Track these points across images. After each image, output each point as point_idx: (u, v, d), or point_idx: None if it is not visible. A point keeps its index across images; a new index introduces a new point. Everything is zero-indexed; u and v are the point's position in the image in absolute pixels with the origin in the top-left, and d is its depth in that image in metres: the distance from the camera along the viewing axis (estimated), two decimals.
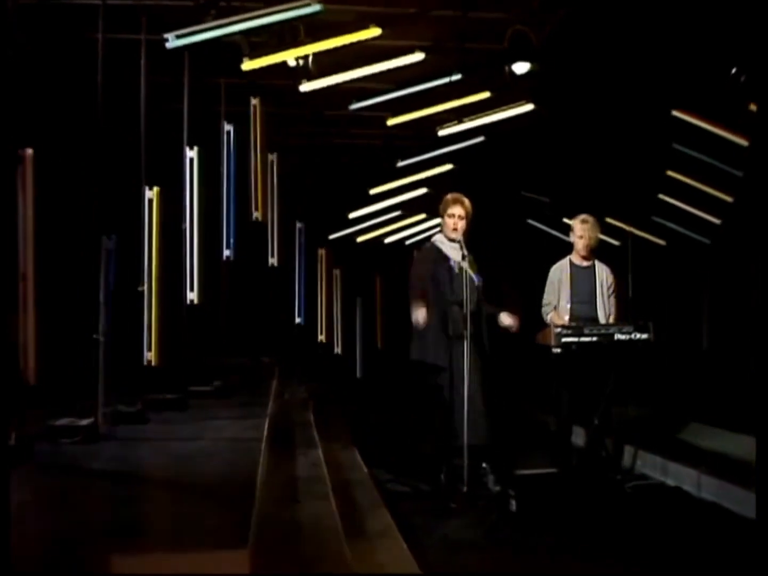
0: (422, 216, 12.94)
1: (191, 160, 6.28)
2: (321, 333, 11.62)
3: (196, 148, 6.39)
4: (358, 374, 12.74)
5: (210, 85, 7.58)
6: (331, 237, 12.71)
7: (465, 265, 5.85)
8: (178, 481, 3.85)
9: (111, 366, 4.92)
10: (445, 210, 6.12)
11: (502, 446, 6.76)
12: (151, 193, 5.40)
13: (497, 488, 5.70)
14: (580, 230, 6.45)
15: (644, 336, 6.06)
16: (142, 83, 5.69)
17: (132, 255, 5.82)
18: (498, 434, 5.86)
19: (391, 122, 8.70)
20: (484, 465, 5.79)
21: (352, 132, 10.34)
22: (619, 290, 6.98)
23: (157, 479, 3.93)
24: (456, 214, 6.06)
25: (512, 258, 12.34)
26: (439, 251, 6.13)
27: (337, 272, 12.49)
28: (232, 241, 7.51)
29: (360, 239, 13.33)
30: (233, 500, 3.44)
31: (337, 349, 12.38)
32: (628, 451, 6.82)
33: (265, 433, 5.12)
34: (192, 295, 6.36)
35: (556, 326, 6.07)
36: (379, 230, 13.17)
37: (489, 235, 13.06)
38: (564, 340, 6.00)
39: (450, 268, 6.04)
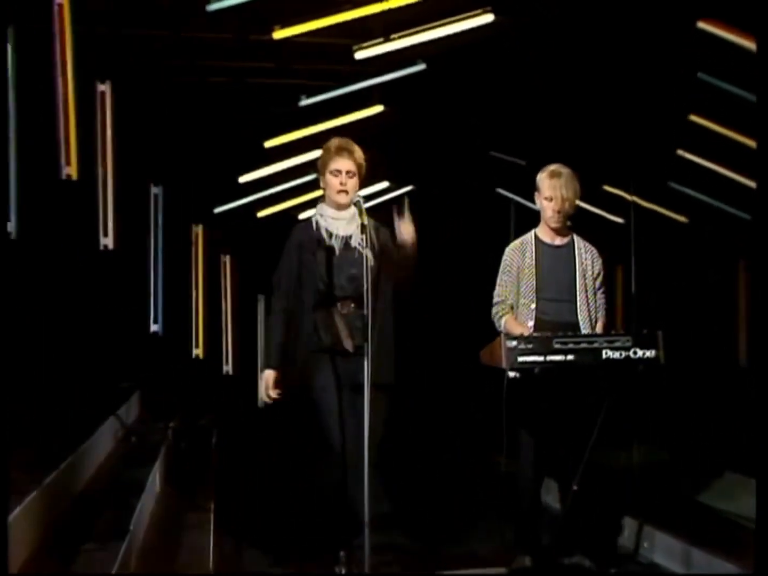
0: None
1: None
2: (196, 345, 11.18)
3: None
4: (258, 403, 11.69)
5: None
6: (218, 210, 12.14)
7: (362, 240, 5.22)
8: None
9: None
10: (325, 165, 5.61)
11: (428, 519, 6.90)
12: None
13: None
14: (549, 188, 5.79)
15: (650, 353, 5.40)
16: None
17: None
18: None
19: (278, 35, 7.99)
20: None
21: (231, 63, 9.84)
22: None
23: None
24: (343, 170, 5.54)
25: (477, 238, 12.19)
26: (314, 229, 5.57)
27: (225, 259, 12.15)
28: (13, 210, 6.52)
29: (261, 213, 12.66)
30: None
31: (227, 368, 11.98)
32: (629, 525, 6.40)
33: None
34: None
35: (510, 338, 5.32)
36: (289, 201, 12.47)
37: (446, 209, 12.61)
38: (522, 359, 5.29)
39: (329, 250, 5.48)
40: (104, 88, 7.80)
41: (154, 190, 10.23)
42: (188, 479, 7.82)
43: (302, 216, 12.85)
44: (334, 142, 5.62)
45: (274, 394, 5.41)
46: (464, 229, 12.86)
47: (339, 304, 5.38)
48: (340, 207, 5.53)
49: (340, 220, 5.52)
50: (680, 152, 10.85)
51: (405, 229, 5.28)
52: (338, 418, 5.33)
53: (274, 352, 5.47)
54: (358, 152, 5.57)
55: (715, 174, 10.89)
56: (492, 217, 12.51)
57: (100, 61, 7.50)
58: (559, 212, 5.75)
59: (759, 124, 4.35)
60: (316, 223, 5.56)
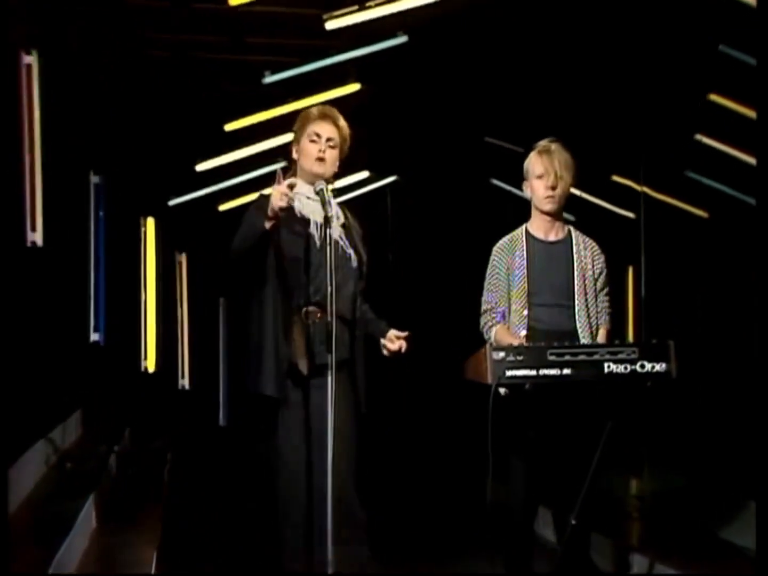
0: None
1: None
2: (146, 357, 11.13)
3: None
4: (221, 421, 12.10)
5: None
6: (172, 202, 12.08)
7: (336, 231, 5.15)
8: None
9: None
10: (303, 129, 5.39)
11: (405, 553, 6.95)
12: None
13: None
14: (540, 166, 5.74)
15: (660, 366, 5.31)
16: None
17: None
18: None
19: (235, 2, 8.03)
20: None
21: (179, 36, 9.85)
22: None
23: None
24: (324, 136, 5.30)
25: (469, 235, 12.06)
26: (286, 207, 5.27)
27: (181, 258, 12.22)
28: None
29: (223, 206, 12.53)
30: None
31: (183, 382, 11.97)
32: (638, 564, 6.41)
33: None
34: None
35: (497, 349, 5.26)
36: (254, 193, 11.99)
37: (434, 203, 12.60)
38: (511, 373, 5.21)
39: (307, 239, 5.24)
40: (30, 60, 7.48)
41: (94, 178, 10.04)
42: (132, 512, 7.67)
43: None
44: (316, 107, 5.45)
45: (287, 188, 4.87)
46: (455, 224, 12.79)
47: (304, 312, 5.14)
48: (314, 183, 5.21)
49: (315, 203, 5.22)
50: (699, 137, 10.69)
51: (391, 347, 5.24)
52: (305, 462, 5.09)
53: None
54: (344, 123, 5.34)
55: (738, 162, 10.63)
56: (486, 212, 12.43)
57: (25, 30, 7.33)
58: (553, 189, 5.67)
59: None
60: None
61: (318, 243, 5.20)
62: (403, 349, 5.33)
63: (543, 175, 5.68)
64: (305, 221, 5.22)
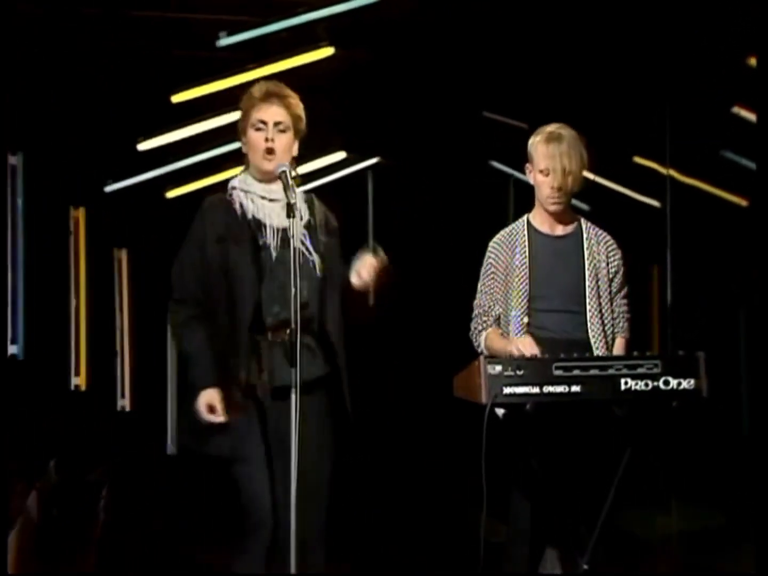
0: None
1: None
2: (77, 373, 11.17)
3: None
4: (168, 449, 12.12)
5: None
6: (109, 188, 12.03)
7: (295, 230, 5.13)
8: None
9: None
10: (247, 115, 5.47)
11: None
12: None
13: None
14: (545, 158, 5.81)
15: (687, 383, 5.44)
16: None
17: None
18: None
19: None
20: None
21: None
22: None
23: None
24: (270, 121, 5.38)
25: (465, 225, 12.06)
26: (238, 212, 5.40)
27: (121, 255, 12.30)
28: None
29: (171, 193, 12.48)
30: None
31: (123, 402, 12.04)
32: None
33: None
34: None
35: (493, 362, 5.36)
36: (210, 176, 11.97)
37: (423, 189, 12.61)
38: (509, 390, 5.31)
39: (263, 247, 5.34)
40: None
41: (12, 159, 10.08)
42: (57, 562, 7.73)
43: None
44: (261, 85, 5.48)
45: (221, 417, 5.11)
46: (447, 214, 12.86)
47: (270, 333, 5.25)
48: (269, 178, 5.30)
49: (274, 201, 5.31)
50: (736, 109, 10.64)
51: (366, 272, 5.27)
52: (268, 491, 5.18)
53: (208, 368, 5.21)
54: (294, 99, 5.40)
55: None
56: (485, 198, 12.19)
57: None
58: (559, 190, 5.75)
59: None
60: (240, 204, 5.36)
61: (274, 255, 5.27)
62: (371, 276, 5.32)
63: (548, 171, 5.75)
64: (260, 226, 5.31)
